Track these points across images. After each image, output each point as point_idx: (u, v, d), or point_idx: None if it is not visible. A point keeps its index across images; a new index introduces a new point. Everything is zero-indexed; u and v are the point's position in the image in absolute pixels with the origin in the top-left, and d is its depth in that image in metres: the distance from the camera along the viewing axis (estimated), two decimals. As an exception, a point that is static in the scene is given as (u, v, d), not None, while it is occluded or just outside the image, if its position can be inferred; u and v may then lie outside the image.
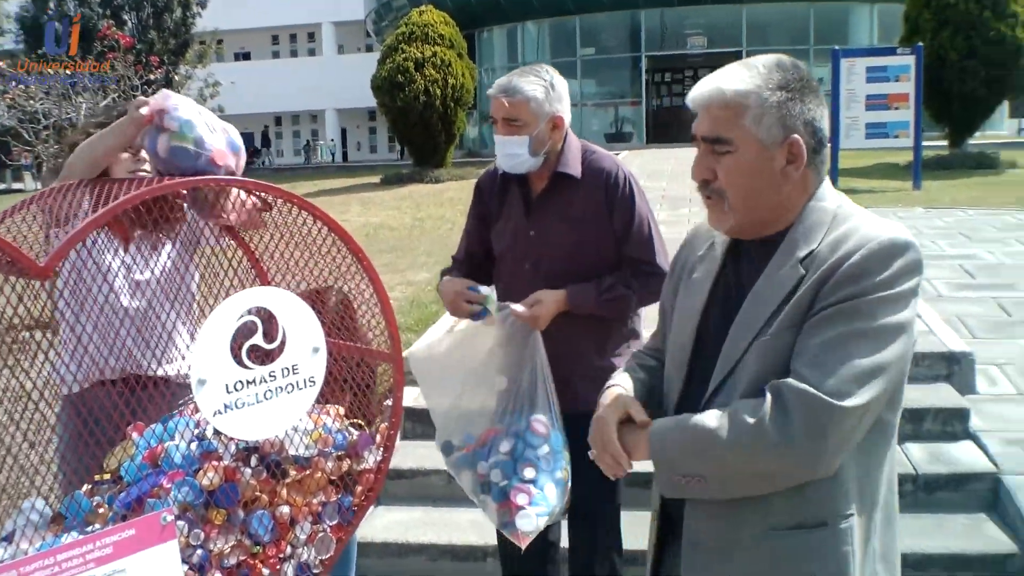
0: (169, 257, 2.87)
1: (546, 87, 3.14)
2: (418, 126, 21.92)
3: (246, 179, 2.25)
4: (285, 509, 2.18)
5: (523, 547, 2.82)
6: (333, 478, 2.30)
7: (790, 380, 1.77)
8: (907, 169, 16.88)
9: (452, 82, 21.98)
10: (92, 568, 1.81)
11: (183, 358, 2.87)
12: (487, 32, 35.89)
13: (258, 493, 2.16)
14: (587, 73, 34.34)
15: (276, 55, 53.96)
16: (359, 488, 2.35)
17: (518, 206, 3.28)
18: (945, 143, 20.56)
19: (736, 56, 32.09)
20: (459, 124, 22.92)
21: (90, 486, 2.18)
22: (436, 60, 21.97)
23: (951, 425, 5.13)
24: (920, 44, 16.58)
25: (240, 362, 2.03)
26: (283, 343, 2.11)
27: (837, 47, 17.39)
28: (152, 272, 2.86)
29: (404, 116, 21.86)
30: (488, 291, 3.05)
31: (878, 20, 32.68)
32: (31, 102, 9.15)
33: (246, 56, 52.80)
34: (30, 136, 9.60)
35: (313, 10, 48.15)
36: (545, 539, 3.09)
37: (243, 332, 2.06)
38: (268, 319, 2.10)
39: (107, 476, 2.22)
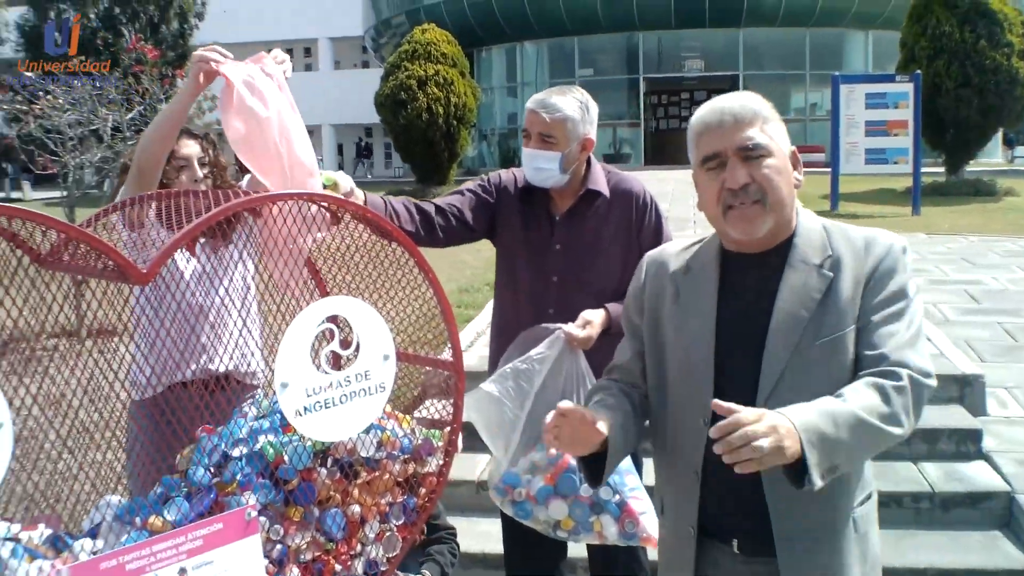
0: (232, 260, 2.97)
1: (582, 108, 3.26)
2: (421, 144, 22.08)
3: (328, 194, 2.36)
4: (356, 508, 2.26)
5: (653, 549, 2.81)
6: (399, 480, 2.38)
7: (914, 375, 1.98)
8: (905, 195, 17.06)
9: (455, 100, 22.14)
10: (184, 559, 1.89)
11: (255, 357, 3.00)
12: (486, 51, 36.03)
13: (332, 493, 2.23)
14: (585, 94, 34.42)
15: (273, 70, 53.88)
16: (423, 490, 2.43)
17: (539, 218, 3.38)
18: (942, 170, 20.74)
19: (733, 80, 32.37)
20: (462, 142, 23.07)
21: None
22: (439, 79, 22.14)
23: (965, 445, 5.26)
24: (918, 72, 16.77)
25: (319, 367, 2.12)
26: (357, 350, 2.20)
27: (836, 73, 17.61)
28: (219, 275, 2.96)
29: (407, 134, 22.03)
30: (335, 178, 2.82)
31: (872, 47, 32.96)
32: (57, 112, 9.22)
33: (243, 70, 52.64)
34: (56, 147, 9.67)
35: (310, 25, 48.06)
36: (551, 540, 3.13)
37: (321, 338, 2.15)
38: (344, 327, 2.18)
39: (176, 476, 2.30)
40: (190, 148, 3.26)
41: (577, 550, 3.69)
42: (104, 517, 2.02)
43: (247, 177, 3.09)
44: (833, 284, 2.07)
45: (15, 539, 1.88)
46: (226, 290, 2.90)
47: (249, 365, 3.04)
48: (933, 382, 2.01)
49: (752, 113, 2.10)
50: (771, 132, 2.10)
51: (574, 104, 3.23)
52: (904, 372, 1.96)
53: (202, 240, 2.94)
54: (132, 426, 2.70)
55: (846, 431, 1.88)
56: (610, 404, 2.26)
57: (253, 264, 3.03)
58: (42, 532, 1.93)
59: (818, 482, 1.84)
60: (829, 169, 16.89)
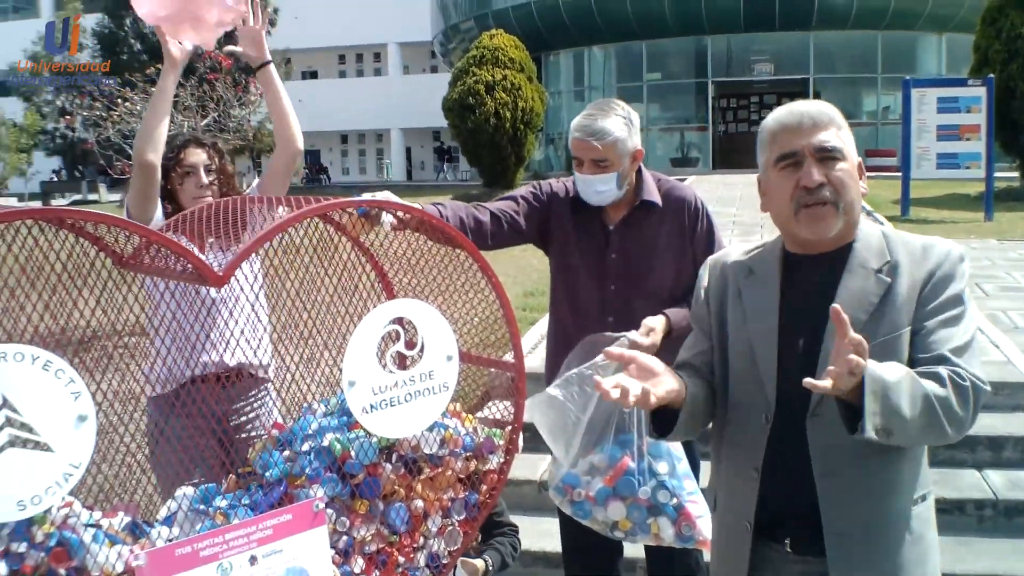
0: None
1: (627, 124, 3.29)
2: (488, 148, 22.26)
3: (389, 200, 2.44)
4: (419, 503, 2.32)
5: (708, 552, 2.82)
6: (461, 477, 2.44)
7: (975, 380, 2.01)
8: (978, 200, 16.74)
9: (522, 105, 22.29)
10: (254, 547, 1.97)
11: (266, 351, 3.07)
12: (554, 56, 36.06)
13: (396, 487, 2.31)
14: (653, 98, 34.34)
15: (343, 74, 54.59)
16: (484, 487, 2.50)
17: (593, 230, 3.43)
18: (1016, 175, 20.32)
19: (803, 83, 32.00)
20: (529, 147, 23.21)
21: (235, 478, 2.35)
22: (506, 83, 22.30)
23: (1031, 453, 5.20)
24: (991, 76, 16.47)
25: (384, 366, 2.20)
26: (422, 350, 2.27)
27: (908, 77, 17.34)
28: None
29: (474, 138, 22.23)
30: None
31: (946, 50, 32.41)
32: (134, 119, 9.50)
33: (313, 75, 53.33)
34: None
35: (380, 30, 48.39)
36: (608, 540, 3.18)
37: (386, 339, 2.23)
38: (409, 328, 2.26)
39: (249, 470, 2.40)
40: (197, 156, 3.34)
41: (634, 550, 3.74)
42: (180, 507, 2.11)
43: (256, 181, 3.19)
44: (890, 289, 2.11)
45: (96, 525, 1.96)
46: (231, 288, 2.97)
47: (261, 359, 3.11)
48: (989, 389, 2.05)
49: (828, 118, 2.17)
50: (844, 139, 2.17)
51: (619, 122, 3.26)
52: (966, 374, 2.00)
53: (211, 240, 3.03)
54: (152, 421, 2.79)
55: (908, 400, 1.92)
56: (688, 373, 2.35)
57: (260, 261, 3.11)
58: (121, 519, 2.02)
59: (871, 433, 1.88)
60: (900, 174, 16.67)
